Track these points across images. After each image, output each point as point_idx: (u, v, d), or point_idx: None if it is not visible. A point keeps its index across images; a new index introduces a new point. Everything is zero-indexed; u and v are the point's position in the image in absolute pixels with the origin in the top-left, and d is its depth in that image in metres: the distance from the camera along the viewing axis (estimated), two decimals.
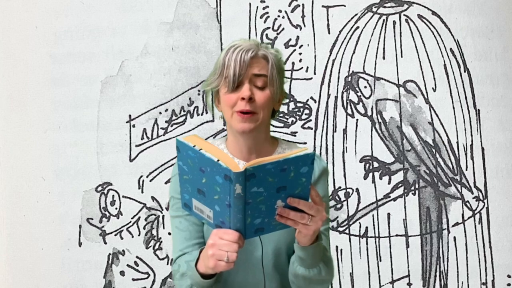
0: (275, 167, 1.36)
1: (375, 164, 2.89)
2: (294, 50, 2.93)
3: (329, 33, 2.93)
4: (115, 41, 2.95)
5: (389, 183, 2.89)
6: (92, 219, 2.93)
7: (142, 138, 2.94)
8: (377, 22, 2.92)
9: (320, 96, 2.92)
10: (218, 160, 1.35)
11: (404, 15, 2.92)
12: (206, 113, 1.64)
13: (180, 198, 1.52)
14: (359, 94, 2.91)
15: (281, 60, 1.74)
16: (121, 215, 2.93)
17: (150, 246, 2.91)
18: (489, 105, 2.88)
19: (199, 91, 2.93)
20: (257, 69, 1.67)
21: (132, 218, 2.93)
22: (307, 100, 2.92)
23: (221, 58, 1.69)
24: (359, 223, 2.89)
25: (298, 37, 2.93)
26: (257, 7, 2.94)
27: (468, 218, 2.87)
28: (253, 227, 1.44)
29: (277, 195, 1.41)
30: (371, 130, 2.90)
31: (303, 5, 2.93)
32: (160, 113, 2.94)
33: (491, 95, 2.88)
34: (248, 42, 1.70)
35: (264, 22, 2.94)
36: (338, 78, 2.92)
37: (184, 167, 1.44)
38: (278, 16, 2.94)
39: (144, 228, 2.92)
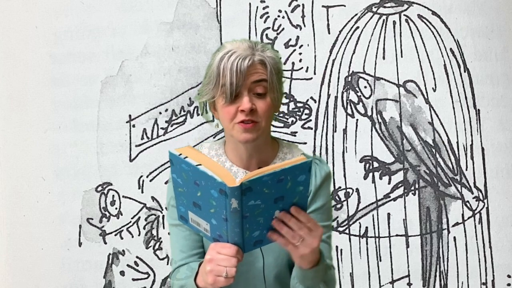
0: (272, 178, 1.32)
1: (375, 164, 2.89)
2: (294, 50, 2.93)
3: (329, 33, 2.93)
4: (115, 41, 2.95)
5: (389, 183, 2.89)
6: (92, 219, 2.93)
7: (142, 138, 2.94)
8: (377, 22, 2.92)
9: (320, 96, 2.92)
10: (212, 174, 1.30)
11: (404, 15, 2.92)
12: (206, 113, 1.63)
13: (176, 210, 1.48)
14: (359, 94, 2.91)
15: (279, 61, 1.64)
16: (121, 215, 2.93)
17: (150, 246, 2.91)
18: (489, 105, 2.88)
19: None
20: (256, 76, 1.57)
21: (132, 218, 2.93)
22: (307, 100, 2.92)
23: (215, 67, 1.58)
24: (359, 223, 2.89)
25: (298, 37, 2.93)
26: (257, 7, 2.94)
27: (468, 218, 2.87)
28: (252, 240, 1.40)
29: (275, 205, 1.37)
30: (371, 130, 2.90)
31: (303, 5, 2.93)
32: (160, 113, 2.94)
33: (491, 95, 2.88)
34: (242, 46, 1.59)
35: (264, 22, 2.94)
36: (338, 78, 2.92)
37: (179, 179, 1.40)
38: (278, 16, 2.94)
39: (144, 228, 2.92)
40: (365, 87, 2.91)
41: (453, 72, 2.89)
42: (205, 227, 1.42)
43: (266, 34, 2.94)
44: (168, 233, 1.75)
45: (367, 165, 2.89)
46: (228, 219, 1.34)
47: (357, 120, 2.91)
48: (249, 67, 1.56)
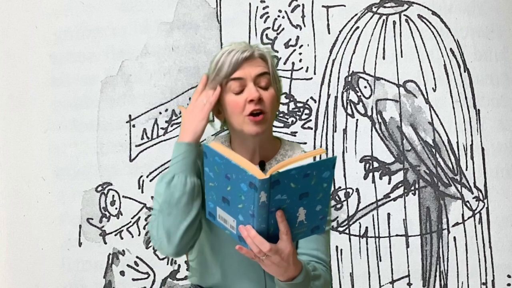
0: (299, 172, 1.34)
1: (375, 164, 2.89)
2: (294, 50, 2.93)
3: (329, 33, 2.93)
4: (115, 41, 2.95)
5: (389, 183, 2.89)
6: (92, 219, 2.93)
7: (142, 138, 2.94)
8: (377, 22, 2.92)
9: (320, 96, 2.92)
10: (243, 167, 1.32)
11: (404, 15, 2.92)
12: None
13: (205, 206, 1.49)
14: (359, 94, 2.91)
15: (275, 59, 1.73)
16: (121, 215, 2.93)
17: (150, 246, 2.91)
18: (489, 105, 2.88)
19: None
20: (259, 69, 1.65)
21: (132, 218, 2.93)
22: (307, 100, 2.92)
23: (214, 63, 1.68)
24: (359, 223, 2.89)
25: (298, 37, 2.93)
26: (257, 7, 2.94)
27: (468, 218, 2.87)
28: (276, 238, 1.41)
29: (300, 202, 1.38)
30: (371, 130, 2.91)
31: (303, 5, 2.93)
32: (160, 113, 2.94)
33: (491, 95, 2.88)
34: (240, 45, 1.68)
35: (264, 22, 2.94)
36: (338, 78, 2.92)
37: (210, 173, 1.42)
38: (278, 16, 2.94)
39: (144, 228, 2.92)
40: (365, 87, 2.91)
41: (453, 72, 2.89)
42: (232, 224, 1.43)
43: (266, 34, 2.94)
44: None
45: (367, 165, 2.89)
46: (255, 214, 1.35)
47: (357, 120, 2.91)
48: (250, 59, 1.65)
